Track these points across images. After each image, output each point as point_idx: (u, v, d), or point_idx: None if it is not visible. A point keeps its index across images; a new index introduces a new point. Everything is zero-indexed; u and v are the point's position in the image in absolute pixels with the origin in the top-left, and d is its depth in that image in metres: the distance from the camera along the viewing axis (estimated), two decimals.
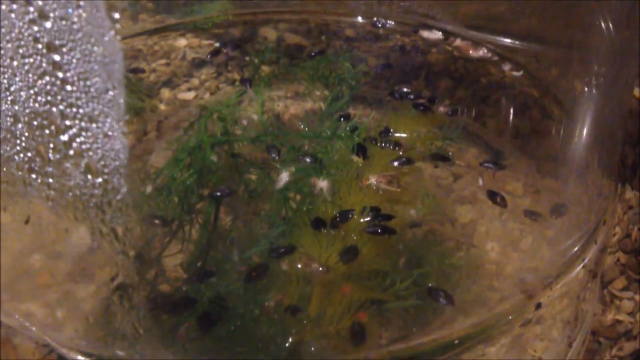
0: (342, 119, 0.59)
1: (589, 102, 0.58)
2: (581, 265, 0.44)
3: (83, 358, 0.40)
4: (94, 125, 0.27)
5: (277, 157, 0.54)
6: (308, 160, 0.54)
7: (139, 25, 0.73)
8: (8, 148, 0.28)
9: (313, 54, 0.69)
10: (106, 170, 0.28)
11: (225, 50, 0.72)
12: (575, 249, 0.46)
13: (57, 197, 0.29)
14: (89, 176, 0.28)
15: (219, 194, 0.51)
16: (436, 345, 0.40)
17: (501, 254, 0.53)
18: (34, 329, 0.40)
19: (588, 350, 0.55)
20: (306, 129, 0.59)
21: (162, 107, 0.67)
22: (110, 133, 0.27)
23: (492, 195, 0.53)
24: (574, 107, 0.61)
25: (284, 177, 0.52)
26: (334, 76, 0.67)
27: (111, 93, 0.26)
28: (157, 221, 0.47)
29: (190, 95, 0.69)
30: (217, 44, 0.73)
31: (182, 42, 0.74)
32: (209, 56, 0.71)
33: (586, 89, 0.58)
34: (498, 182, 0.58)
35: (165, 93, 0.68)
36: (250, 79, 0.65)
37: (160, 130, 0.64)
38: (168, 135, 0.63)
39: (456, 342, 0.40)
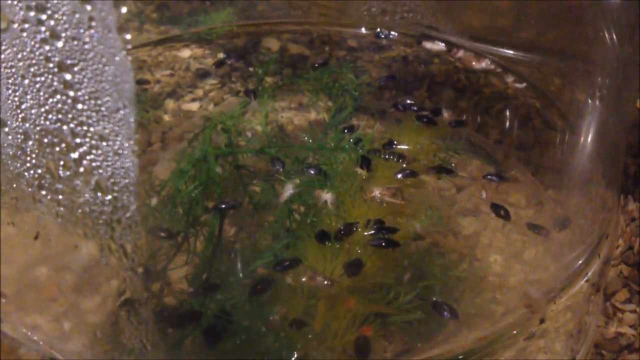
0: (345, 131, 0.59)
1: (592, 114, 0.59)
2: (585, 279, 0.45)
3: None
4: (104, 143, 0.27)
5: (281, 169, 0.54)
6: (312, 172, 0.54)
7: (143, 36, 0.73)
8: (18, 165, 0.28)
9: (316, 65, 0.70)
10: (116, 188, 0.28)
11: (229, 62, 0.72)
12: (579, 262, 0.46)
13: (67, 214, 0.29)
14: (99, 193, 0.28)
15: (223, 206, 0.51)
16: (440, 359, 0.41)
17: (504, 266, 0.53)
18: (40, 342, 0.40)
19: None
20: (310, 140, 0.59)
21: (167, 118, 0.67)
22: (120, 151, 0.27)
23: (496, 208, 0.53)
24: (577, 118, 0.61)
25: (288, 189, 0.52)
26: (337, 87, 0.68)
27: (122, 112, 0.27)
28: (162, 234, 0.47)
29: (194, 106, 0.69)
30: (222, 55, 0.73)
31: (186, 52, 0.74)
32: (213, 67, 0.72)
33: (589, 100, 0.59)
34: (501, 194, 0.58)
35: (170, 104, 0.69)
36: (255, 90, 0.65)
37: (164, 141, 0.64)
38: (172, 146, 0.63)
39: (460, 357, 0.40)
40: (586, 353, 0.54)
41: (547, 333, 0.49)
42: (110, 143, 0.27)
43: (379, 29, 0.76)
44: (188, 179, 0.53)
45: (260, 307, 0.43)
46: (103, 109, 0.27)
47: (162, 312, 0.42)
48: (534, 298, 0.43)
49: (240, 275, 0.46)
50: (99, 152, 0.27)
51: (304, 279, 0.45)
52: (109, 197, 0.28)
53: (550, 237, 0.51)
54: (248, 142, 0.60)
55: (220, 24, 0.77)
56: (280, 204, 0.52)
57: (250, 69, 0.73)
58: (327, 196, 0.51)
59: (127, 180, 0.28)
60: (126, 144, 0.27)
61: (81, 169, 0.28)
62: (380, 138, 0.59)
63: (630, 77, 0.56)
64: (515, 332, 0.42)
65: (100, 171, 0.28)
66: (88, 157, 0.28)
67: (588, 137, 0.58)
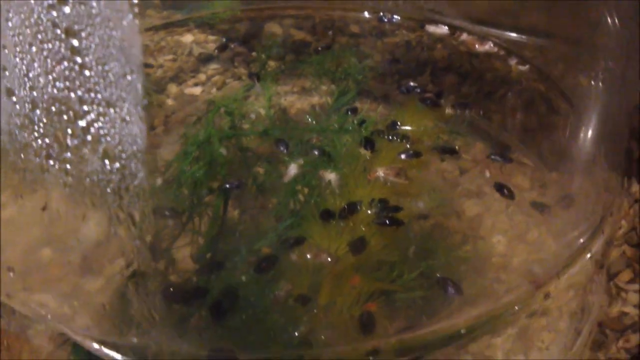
0: (349, 113, 0.59)
1: (596, 97, 0.59)
2: (588, 256, 0.45)
3: (98, 346, 0.40)
4: (111, 110, 0.27)
5: (285, 151, 0.54)
6: (316, 153, 0.54)
7: (145, 21, 0.73)
8: (26, 134, 0.28)
9: (319, 48, 0.70)
10: (124, 156, 0.28)
11: (232, 45, 0.72)
12: (582, 240, 0.46)
13: (75, 183, 0.29)
14: (107, 161, 0.28)
15: (228, 186, 0.51)
16: (443, 335, 0.41)
17: (508, 247, 0.53)
18: (48, 316, 0.40)
19: (595, 342, 0.56)
20: (313, 122, 0.59)
21: (169, 102, 0.67)
22: (128, 118, 0.28)
23: (500, 188, 0.53)
24: (581, 101, 0.61)
25: (292, 170, 0.52)
26: (340, 71, 0.68)
27: (129, 77, 0.27)
28: (167, 213, 0.48)
29: (197, 90, 0.69)
30: (224, 39, 0.73)
31: (188, 37, 0.74)
32: (216, 51, 0.72)
33: (592, 83, 0.59)
34: (505, 175, 0.58)
35: (173, 88, 0.69)
36: (258, 74, 0.65)
37: (167, 125, 0.64)
38: (175, 130, 0.63)
39: (462, 331, 0.40)
40: (589, 331, 0.54)
41: (549, 311, 0.49)
42: (118, 110, 0.27)
43: (381, 13, 0.76)
44: (192, 160, 0.53)
45: (266, 283, 0.43)
46: (110, 75, 0.27)
47: (167, 289, 0.42)
48: (538, 274, 0.43)
49: (245, 254, 0.47)
50: (107, 119, 0.28)
51: (308, 256, 0.45)
52: (117, 164, 0.29)
53: (554, 215, 0.51)
54: (251, 124, 0.60)
55: (223, 9, 0.77)
56: (284, 184, 0.52)
57: (253, 53, 0.73)
58: (330, 176, 0.51)
59: (134, 147, 0.28)
60: (134, 110, 0.27)
61: (89, 137, 0.28)
62: (384, 120, 0.60)
63: (633, 61, 0.56)
64: (517, 308, 0.42)
65: (108, 139, 0.28)
66: (95, 125, 0.28)
67: (591, 120, 0.58)
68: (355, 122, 0.57)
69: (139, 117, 0.28)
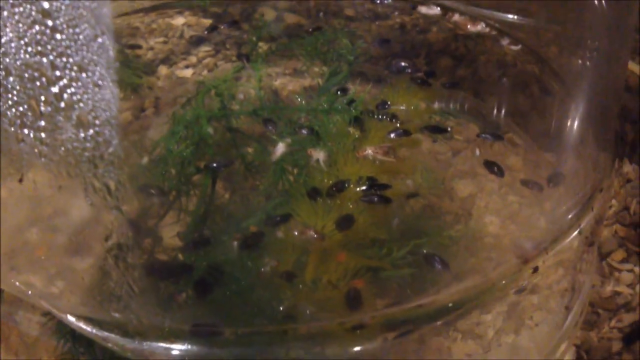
0: (339, 93, 0.59)
1: (584, 77, 0.58)
2: (577, 231, 0.44)
3: (83, 325, 0.40)
4: (84, 74, 0.27)
5: (273, 130, 0.54)
6: (304, 132, 0.54)
7: (136, 3, 0.73)
8: (1, 103, 0.28)
9: (311, 29, 0.69)
10: (97, 122, 0.28)
11: (222, 26, 0.71)
12: (571, 215, 0.46)
13: (50, 153, 0.29)
14: (81, 129, 0.28)
15: (215, 165, 0.51)
16: (430, 310, 0.40)
17: (500, 227, 0.53)
18: (34, 295, 0.40)
19: (586, 322, 0.55)
20: (303, 102, 0.59)
21: (160, 84, 0.67)
22: (100, 82, 0.27)
23: (489, 165, 0.52)
24: (571, 81, 0.61)
25: (280, 148, 0.52)
26: (332, 52, 0.67)
27: (100, 40, 0.26)
28: (153, 191, 0.47)
29: (188, 72, 0.69)
30: (215, 22, 0.73)
31: (179, 20, 0.74)
32: (205, 32, 0.71)
33: (580, 62, 0.58)
34: (497, 156, 0.58)
35: (163, 70, 0.68)
36: (248, 55, 0.64)
37: (157, 107, 0.64)
38: (165, 111, 0.63)
39: (450, 305, 0.40)
40: (581, 311, 0.53)
41: (539, 289, 0.49)
42: (90, 74, 0.27)
43: None
44: (179, 140, 0.53)
45: (251, 260, 0.43)
46: (81, 37, 0.26)
47: (151, 265, 0.42)
48: (526, 248, 0.43)
49: (232, 231, 0.46)
50: (79, 84, 0.27)
51: (295, 233, 0.45)
52: (91, 132, 0.28)
53: (544, 192, 0.51)
54: (241, 105, 0.59)
55: None
56: (273, 163, 0.52)
57: (245, 36, 0.72)
58: (319, 155, 0.51)
59: (108, 113, 0.28)
60: (106, 74, 0.27)
61: (62, 104, 0.28)
62: (374, 100, 0.59)
63: (620, 41, 0.56)
64: (504, 282, 0.41)
65: (81, 105, 0.28)
66: (68, 91, 0.27)
67: (580, 99, 0.58)
68: (345, 101, 0.57)
69: (111, 80, 0.28)
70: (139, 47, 0.68)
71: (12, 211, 0.47)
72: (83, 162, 0.29)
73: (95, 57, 0.27)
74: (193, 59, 0.70)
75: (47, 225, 0.48)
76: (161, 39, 0.72)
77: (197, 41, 0.72)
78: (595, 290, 0.58)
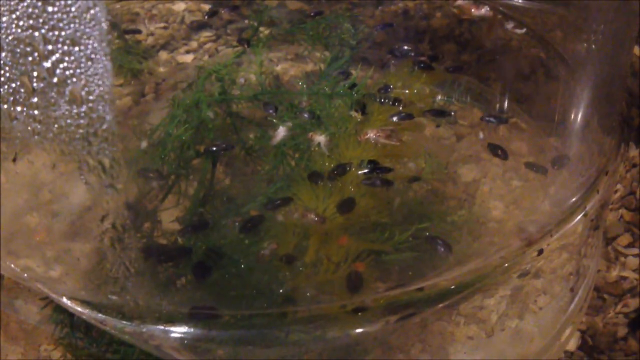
0: (341, 76, 0.58)
1: (589, 61, 0.57)
2: (582, 213, 0.44)
3: (82, 309, 0.40)
4: (76, 48, 0.26)
5: (274, 114, 0.53)
6: (305, 116, 0.53)
7: None
8: None
9: (312, 14, 0.68)
10: (91, 97, 0.27)
11: (223, 11, 0.71)
12: (575, 198, 0.45)
13: (43, 130, 0.28)
14: (74, 105, 0.28)
15: (214, 148, 0.50)
16: (432, 293, 0.40)
17: (504, 212, 0.52)
18: (32, 279, 0.40)
19: (591, 307, 0.55)
20: (304, 86, 0.58)
21: (160, 69, 0.67)
22: (93, 56, 0.26)
23: (493, 148, 0.52)
24: (576, 65, 0.60)
25: (281, 132, 0.51)
26: (334, 37, 0.66)
27: (92, 12, 0.26)
28: (151, 175, 0.47)
29: (188, 57, 0.68)
30: (215, 6, 0.72)
31: (180, 5, 0.73)
32: (206, 17, 0.71)
33: (586, 46, 0.58)
34: (502, 141, 0.57)
35: (163, 55, 0.68)
36: (248, 39, 0.64)
37: (158, 92, 0.64)
38: (166, 96, 0.62)
39: (452, 287, 0.39)
40: (586, 297, 0.53)
41: (543, 273, 0.48)
42: (82, 47, 0.26)
43: None
44: (179, 124, 0.52)
45: (251, 243, 0.42)
46: (73, 9, 0.26)
47: (150, 249, 0.41)
48: (529, 231, 0.42)
49: (232, 215, 0.46)
50: (72, 58, 0.27)
51: (295, 216, 0.44)
52: (84, 108, 0.28)
53: (549, 176, 0.50)
54: (241, 90, 0.59)
55: None
56: (273, 147, 0.51)
57: (246, 21, 0.71)
58: (320, 138, 0.50)
59: (101, 88, 0.27)
60: (99, 47, 0.26)
61: (55, 79, 0.27)
62: (376, 84, 0.58)
63: (625, 25, 0.55)
64: (507, 265, 0.41)
65: (74, 79, 0.27)
66: (61, 65, 0.27)
67: (585, 83, 0.57)
68: (347, 85, 0.56)
69: (104, 54, 0.27)
70: (139, 32, 0.68)
71: (10, 195, 0.47)
72: (77, 139, 0.28)
73: (87, 30, 0.26)
74: (194, 44, 0.70)
75: (47, 209, 0.47)
76: (162, 25, 0.71)
77: (198, 26, 0.71)
78: (600, 275, 0.57)
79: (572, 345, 0.53)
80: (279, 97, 0.57)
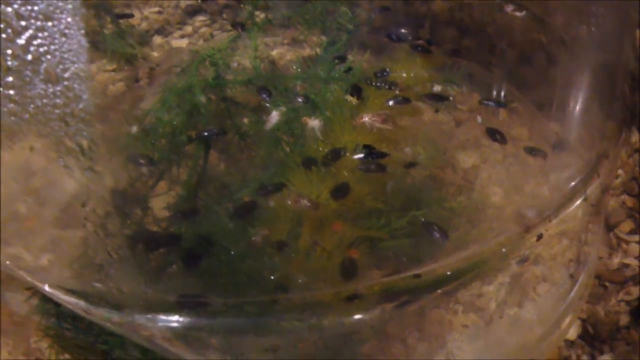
0: (336, 61, 0.57)
1: (590, 44, 0.56)
2: (582, 198, 0.42)
3: (67, 297, 0.39)
4: (49, 23, 0.25)
5: (267, 98, 0.52)
6: (300, 100, 0.52)
7: None
8: None
9: None
10: (66, 75, 0.26)
11: None
12: (575, 182, 0.44)
13: (20, 111, 0.27)
14: (49, 84, 0.26)
15: (206, 134, 0.49)
16: (428, 279, 0.39)
17: (503, 198, 0.51)
18: (20, 269, 0.39)
19: (593, 294, 0.54)
20: (299, 70, 0.57)
21: (154, 54, 0.65)
22: (67, 31, 0.25)
23: (491, 133, 0.51)
24: (576, 48, 0.59)
25: (275, 116, 0.50)
26: (331, 21, 0.65)
27: None
28: (142, 161, 0.46)
29: (183, 42, 0.67)
30: None
31: None
32: (200, 1, 0.69)
33: (586, 28, 0.56)
34: (503, 126, 0.56)
35: (157, 40, 0.67)
36: (243, 23, 0.62)
37: (151, 77, 0.62)
38: (159, 82, 0.61)
39: (448, 274, 0.38)
40: (586, 284, 0.52)
41: (542, 260, 0.47)
42: (56, 22, 0.25)
43: None
44: (170, 109, 0.51)
45: (242, 229, 0.41)
46: None
47: (138, 236, 0.40)
48: (528, 216, 0.41)
49: (224, 201, 0.45)
50: (46, 34, 0.25)
51: (288, 203, 0.43)
52: (60, 87, 0.26)
53: (548, 161, 0.49)
54: (236, 75, 0.58)
55: None
56: (267, 131, 0.50)
57: (242, 5, 0.70)
58: (314, 123, 0.49)
59: (76, 65, 0.26)
60: (72, 22, 0.25)
61: (29, 57, 0.26)
62: (372, 68, 0.57)
63: (628, 8, 0.53)
64: (504, 250, 0.40)
65: (49, 57, 0.26)
66: (35, 42, 0.26)
67: (586, 68, 0.56)
68: (342, 69, 0.55)
69: (78, 29, 0.26)
70: (131, 16, 0.66)
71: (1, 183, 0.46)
72: (54, 120, 0.27)
73: (61, 4, 0.25)
74: (189, 29, 0.68)
75: (37, 198, 0.46)
76: (156, 9, 0.70)
77: (193, 11, 0.70)
78: (602, 262, 0.56)
79: (572, 334, 0.52)
80: (273, 82, 0.55)
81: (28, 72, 0.26)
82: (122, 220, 0.39)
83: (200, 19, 0.69)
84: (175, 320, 0.36)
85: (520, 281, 0.47)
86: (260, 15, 0.67)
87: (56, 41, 0.26)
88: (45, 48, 0.26)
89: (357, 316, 0.39)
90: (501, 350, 0.46)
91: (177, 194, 0.47)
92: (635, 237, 0.55)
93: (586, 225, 0.48)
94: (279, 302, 0.37)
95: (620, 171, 0.59)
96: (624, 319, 0.52)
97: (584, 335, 0.52)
